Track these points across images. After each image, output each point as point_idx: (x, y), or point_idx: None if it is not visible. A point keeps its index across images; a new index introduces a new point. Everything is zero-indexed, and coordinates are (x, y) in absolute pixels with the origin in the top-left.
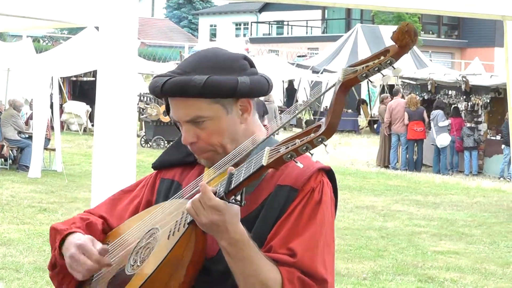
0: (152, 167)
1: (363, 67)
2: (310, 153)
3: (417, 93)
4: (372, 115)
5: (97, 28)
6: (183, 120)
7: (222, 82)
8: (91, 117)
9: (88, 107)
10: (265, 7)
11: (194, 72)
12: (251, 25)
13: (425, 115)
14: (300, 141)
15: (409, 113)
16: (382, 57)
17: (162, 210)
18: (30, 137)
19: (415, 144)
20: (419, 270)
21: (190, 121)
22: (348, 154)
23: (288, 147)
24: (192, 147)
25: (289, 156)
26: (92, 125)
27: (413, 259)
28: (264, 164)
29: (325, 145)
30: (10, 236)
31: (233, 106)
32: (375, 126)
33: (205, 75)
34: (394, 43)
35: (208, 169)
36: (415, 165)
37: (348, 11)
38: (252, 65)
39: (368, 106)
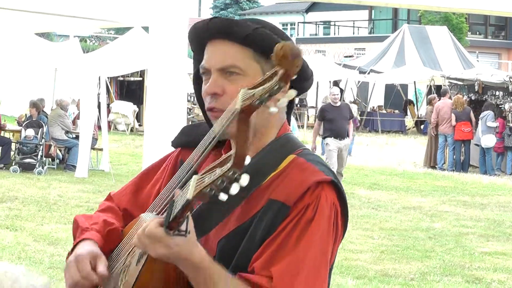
0: (171, 145)
1: (259, 91)
2: (238, 176)
3: (464, 93)
4: (419, 116)
5: (145, 28)
6: (215, 67)
7: (272, 36)
8: (138, 117)
9: (135, 107)
10: (312, 7)
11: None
12: (298, 25)
13: (472, 115)
14: (220, 172)
15: (456, 114)
16: (273, 79)
17: (142, 223)
18: (77, 137)
19: (462, 144)
20: (467, 271)
21: (222, 70)
22: (395, 155)
23: (211, 177)
24: (212, 101)
25: (208, 190)
26: (139, 125)
27: (461, 260)
28: (189, 198)
29: (239, 178)
30: (57, 236)
31: None
32: (422, 126)
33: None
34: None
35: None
36: (462, 165)
37: (395, 11)
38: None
39: (415, 107)
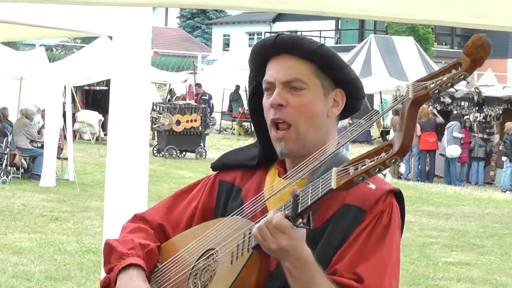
0: (210, 167)
1: (433, 82)
2: (382, 174)
3: (430, 104)
4: (385, 126)
5: (110, 37)
6: (281, 80)
7: (335, 54)
8: (103, 126)
9: (100, 116)
10: (278, 17)
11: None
12: (265, 35)
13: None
14: (371, 162)
15: (421, 124)
16: (453, 71)
17: (220, 229)
18: (42, 146)
19: (427, 155)
20: (431, 281)
21: (286, 83)
22: None
23: (358, 168)
24: (276, 112)
25: (360, 178)
26: (105, 134)
27: (425, 270)
28: (334, 188)
29: (399, 166)
30: (21, 245)
31: (329, 92)
32: (387, 136)
33: None
34: (466, 57)
35: (269, 179)
36: (427, 176)
37: (362, 21)
38: None
39: (381, 117)
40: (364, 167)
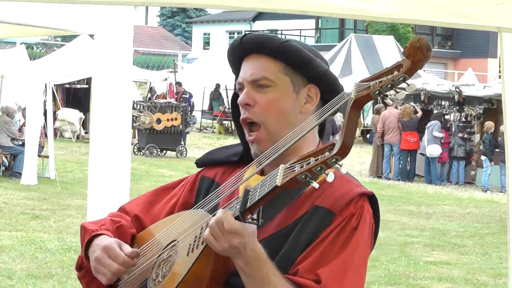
0: (195, 163)
1: (376, 83)
2: (339, 164)
3: (410, 103)
4: (365, 125)
5: (91, 35)
6: (248, 80)
7: (300, 49)
8: (84, 124)
9: (81, 115)
10: (258, 16)
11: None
12: (245, 33)
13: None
14: (315, 160)
15: (403, 124)
16: (395, 73)
17: (185, 221)
18: (23, 144)
19: (408, 154)
20: (411, 281)
21: (254, 82)
22: None
23: (303, 166)
24: (245, 112)
25: (303, 176)
26: (85, 133)
27: (405, 269)
28: (279, 185)
29: (340, 165)
30: (2, 243)
31: (301, 88)
32: (368, 136)
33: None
34: (406, 59)
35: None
36: (408, 175)
37: (342, 20)
38: None
39: (361, 116)
40: (308, 165)
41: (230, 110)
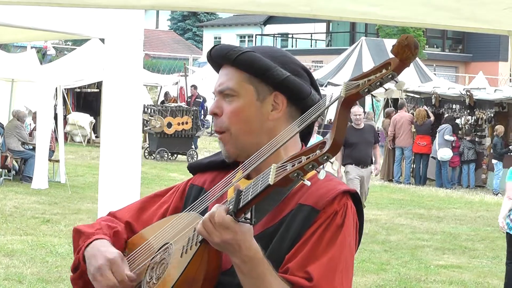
0: (187, 167)
1: (365, 81)
2: (330, 161)
3: (421, 106)
4: (376, 129)
5: (102, 39)
6: (216, 90)
7: (258, 59)
8: (94, 128)
9: (91, 119)
10: (269, 20)
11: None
12: (256, 37)
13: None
14: (306, 159)
15: (416, 127)
16: (383, 71)
17: (177, 223)
18: (34, 148)
19: (420, 158)
20: (422, 284)
21: (221, 92)
22: None
23: (294, 164)
24: (214, 120)
25: (295, 174)
26: (96, 137)
27: (416, 272)
28: (271, 183)
29: (332, 163)
30: (13, 247)
31: (266, 96)
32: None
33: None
34: (394, 57)
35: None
36: (420, 179)
37: (353, 24)
38: (311, 78)
39: (372, 120)
40: (299, 164)
41: None
